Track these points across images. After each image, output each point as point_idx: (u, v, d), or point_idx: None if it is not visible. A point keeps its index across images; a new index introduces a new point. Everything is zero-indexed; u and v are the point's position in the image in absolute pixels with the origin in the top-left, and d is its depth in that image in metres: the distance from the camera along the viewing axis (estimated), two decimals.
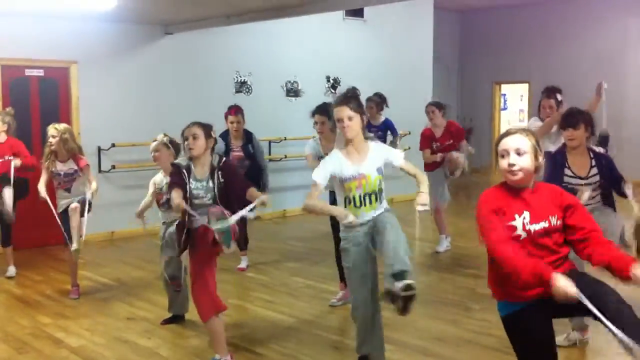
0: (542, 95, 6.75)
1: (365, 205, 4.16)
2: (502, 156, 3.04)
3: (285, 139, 10.37)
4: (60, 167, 6.24)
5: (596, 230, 3.04)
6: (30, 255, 7.82)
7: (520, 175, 3.00)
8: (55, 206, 6.29)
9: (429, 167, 7.72)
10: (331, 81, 11.22)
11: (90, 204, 6.28)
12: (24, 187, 7.05)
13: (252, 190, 4.44)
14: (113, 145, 8.91)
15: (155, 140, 5.47)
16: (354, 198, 4.14)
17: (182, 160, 4.54)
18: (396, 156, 4.28)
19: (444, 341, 5.09)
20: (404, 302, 3.79)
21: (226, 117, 7.15)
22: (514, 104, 17.88)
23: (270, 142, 10.14)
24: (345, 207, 4.18)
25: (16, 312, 6.00)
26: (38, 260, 7.68)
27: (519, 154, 3.00)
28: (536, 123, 6.60)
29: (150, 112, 9.25)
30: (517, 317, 3.06)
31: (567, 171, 4.72)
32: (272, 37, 10.29)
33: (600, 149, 4.92)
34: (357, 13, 11.27)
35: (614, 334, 2.71)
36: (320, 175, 4.15)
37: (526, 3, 14.42)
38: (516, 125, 17.31)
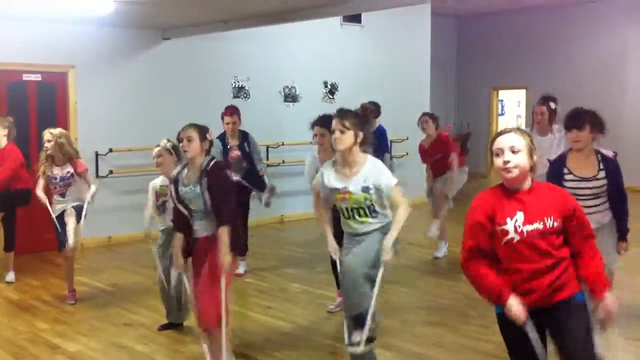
0: (537, 102, 6.76)
1: (353, 217, 4.23)
2: (497, 155, 3.02)
3: (282, 144, 10.37)
4: (57, 172, 6.22)
5: (591, 237, 3.06)
6: (28, 260, 7.80)
7: (515, 172, 2.97)
8: (52, 208, 6.29)
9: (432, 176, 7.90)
10: (329, 87, 11.23)
11: (86, 212, 6.27)
12: (26, 196, 7.01)
13: (224, 235, 4.27)
14: (111, 150, 8.90)
15: (158, 146, 5.44)
16: (342, 209, 4.26)
17: (176, 170, 4.55)
18: (387, 184, 4.14)
19: (442, 347, 5.08)
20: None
21: (222, 118, 7.17)
22: (512, 109, 17.91)
23: (267, 147, 10.13)
24: (341, 217, 4.32)
25: (13, 318, 5.98)
26: (35, 266, 7.66)
27: (513, 151, 2.98)
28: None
29: (148, 117, 9.25)
30: (505, 318, 3.10)
31: (567, 176, 4.58)
32: (270, 42, 10.29)
33: (609, 152, 4.70)
34: (355, 19, 11.28)
35: None
36: (315, 181, 4.36)
37: (524, 9, 14.44)
38: None
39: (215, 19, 8.30)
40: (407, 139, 11.47)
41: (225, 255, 4.25)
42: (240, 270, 7.28)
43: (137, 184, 8.83)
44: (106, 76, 8.99)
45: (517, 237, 2.98)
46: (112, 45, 9.02)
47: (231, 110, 7.19)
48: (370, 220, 4.19)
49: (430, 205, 7.97)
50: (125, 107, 9.14)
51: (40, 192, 6.24)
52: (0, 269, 7.43)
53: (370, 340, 4.14)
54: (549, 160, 4.87)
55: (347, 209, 4.21)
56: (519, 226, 2.97)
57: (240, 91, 10.22)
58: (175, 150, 5.31)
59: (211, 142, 4.52)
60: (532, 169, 3.04)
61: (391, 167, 7.87)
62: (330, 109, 11.68)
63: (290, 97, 10.80)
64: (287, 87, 10.75)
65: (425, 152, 7.82)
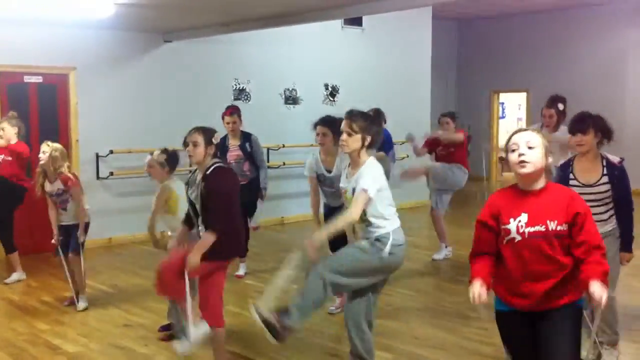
0: (545, 104, 6.71)
1: (361, 221, 4.17)
2: (512, 150, 3.01)
3: (283, 146, 10.37)
4: (50, 188, 6.17)
5: (599, 248, 2.96)
6: (28, 261, 7.78)
7: (529, 167, 2.96)
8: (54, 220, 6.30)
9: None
10: (329, 89, 11.23)
11: (86, 227, 6.25)
12: (20, 194, 7.05)
13: (204, 236, 4.29)
14: (111, 152, 8.90)
15: (150, 154, 5.41)
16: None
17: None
18: (360, 184, 4.01)
19: (443, 349, 5.07)
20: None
21: (223, 118, 7.15)
22: (512, 112, 17.89)
23: (268, 149, 10.13)
24: None
25: (13, 319, 5.98)
26: (35, 267, 7.65)
27: (529, 147, 2.97)
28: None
29: (148, 119, 9.26)
30: (503, 317, 3.16)
31: (571, 181, 4.45)
32: (271, 45, 10.30)
33: (615, 158, 4.52)
34: (356, 22, 11.30)
35: None
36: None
37: (525, 12, 14.45)
38: None
39: (217, 21, 8.31)
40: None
41: (194, 256, 4.22)
42: (241, 272, 7.28)
43: (138, 185, 8.85)
44: (107, 78, 8.99)
45: (518, 238, 2.98)
46: (113, 48, 9.04)
47: (231, 110, 7.17)
48: (363, 226, 4.12)
49: (435, 226, 7.99)
50: (126, 110, 9.15)
51: (50, 212, 6.22)
52: (2, 270, 7.45)
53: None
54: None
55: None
56: (522, 227, 2.97)
57: (241, 93, 10.23)
58: (169, 162, 5.28)
59: (217, 146, 4.50)
60: (547, 169, 3.02)
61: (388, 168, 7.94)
62: (331, 111, 11.70)
63: (291, 99, 10.81)
64: (288, 89, 10.76)
65: (436, 143, 7.80)
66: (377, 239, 4.08)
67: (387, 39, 11.86)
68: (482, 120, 15.72)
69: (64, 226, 6.23)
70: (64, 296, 6.49)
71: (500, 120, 16.50)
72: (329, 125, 5.46)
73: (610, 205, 4.49)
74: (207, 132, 4.41)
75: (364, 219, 4.08)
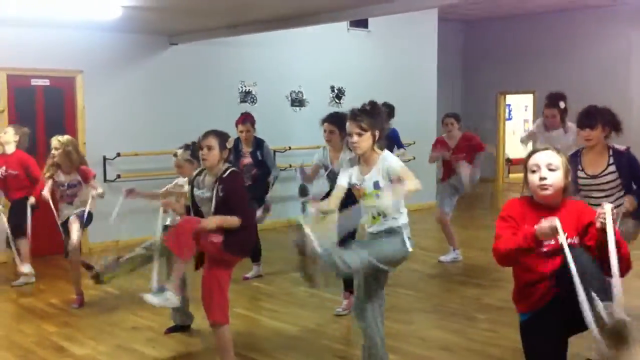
0: (545, 103, 6.68)
1: (370, 217, 4.19)
2: (533, 171, 2.98)
3: (289, 148, 10.38)
4: (65, 178, 6.23)
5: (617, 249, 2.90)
6: (35, 264, 7.80)
7: (550, 190, 2.95)
8: (57, 213, 6.33)
9: (441, 178, 7.84)
10: (336, 91, 11.24)
11: (90, 217, 6.29)
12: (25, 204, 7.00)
13: (226, 216, 4.36)
14: (118, 154, 8.93)
15: (175, 155, 5.43)
16: (362, 206, 4.20)
17: (196, 171, 4.62)
18: (393, 166, 4.08)
19: (450, 351, 5.06)
20: None
21: (236, 125, 7.11)
22: (519, 114, 17.89)
23: (275, 151, 10.12)
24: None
25: (21, 321, 6.01)
26: (43, 270, 7.66)
27: (550, 169, 2.95)
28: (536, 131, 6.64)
29: (155, 121, 9.28)
30: (530, 321, 3.06)
31: (579, 173, 4.49)
32: (277, 47, 10.32)
33: (621, 147, 4.59)
34: (362, 24, 11.31)
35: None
36: (341, 177, 4.27)
37: (530, 13, 14.43)
38: (521, 134, 17.30)
39: (223, 24, 8.33)
40: (414, 143, 11.47)
41: (213, 222, 4.26)
42: (250, 274, 7.27)
43: (145, 188, 8.83)
44: (114, 81, 9.02)
45: (532, 250, 2.94)
46: (120, 51, 9.06)
47: (244, 118, 7.12)
48: (382, 220, 4.14)
49: (443, 229, 7.97)
50: (132, 112, 9.17)
51: (46, 192, 6.24)
52: (8, 273, 7.47)
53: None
54: None
55: (370, 211, 4.17)
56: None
57: (247, 96, 10.25)
58: (195, 157, 5.28)
59: (230, 151, 4.51)
60: (566, 189, 3.00)
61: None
62: None
63: (297, 101, 10.82)
64: (294, 91, 10.77)
65: (446, 148, 7.70)
66: (391, 230, 4.13)
67: (393, 41, 11.85)
68: (488, 122, 15.69)
69: (62, 224, 6.25)
70: (71, 298, 6.51)
71: (507, 122, 16.48)
72: (336, 122, 5.49)
73: (618, 195, 4.52)
74: (222, 136, 4.41)
75: (381, 212, 4.11)
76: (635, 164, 4.57)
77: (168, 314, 5.69)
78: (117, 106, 9.05)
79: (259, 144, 7.18)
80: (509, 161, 16.02)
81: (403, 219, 4.18)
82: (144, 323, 5.87)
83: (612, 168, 4.49)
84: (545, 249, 2.97)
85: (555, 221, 2.77)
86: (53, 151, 6.18)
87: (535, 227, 2.81)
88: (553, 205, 3.00)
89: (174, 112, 9.41)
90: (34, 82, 8.50)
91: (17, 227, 6.91)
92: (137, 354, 5.15)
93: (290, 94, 10.73)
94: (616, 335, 2.60)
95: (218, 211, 4.33)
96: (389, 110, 8.10)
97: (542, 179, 2.94)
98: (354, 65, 11.37)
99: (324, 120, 5.65)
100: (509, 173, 16.25)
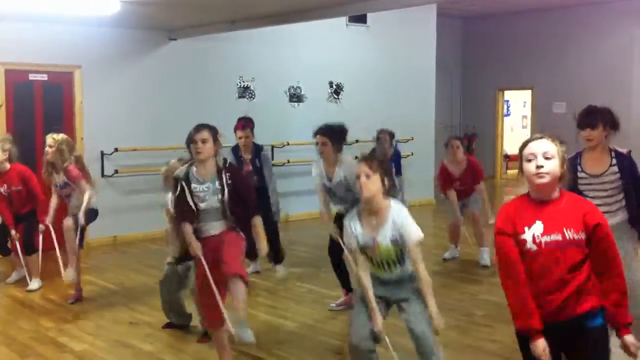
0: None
1: (383, 268, 3.96)
2: (529, 160, 2.93)
3: (288, 143, 10.38)
4: (57, 179, 6.21)
5: (615, 258, 2.92)
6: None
7: (547, 179, 2.89)
8: (59, 234, 6.38)
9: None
10: (334, 87, 11.23)
11: (93, 213, 6.29)
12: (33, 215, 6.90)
13: (258, 224, 4.41)
14: (116, 149, 8.92)
15: (167, 165, 5.26)
16: (372, 259, 3.96)
17: (180, 170, 4.45)
18: (410, 235, 3.80)
19: (447, 347, 5.05)
20: None
21: (235, 131, 6.91)
22: (517, 110, 17.89)
23: (273, 147, 10.14)
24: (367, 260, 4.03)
25: (19, 316, 6.01)
26: (41, 265, 7.67)
27: (546, 157, 2.90)
28: None
29: (153, 117, 9.28)
30: (526, 338, 2.97)
31: (580, 173, 4.47)
32: (276, 42, 10.30)
33: (623, 150, 4.54)
34: (360, 19, 11.29)
35: None
36: (348, 239, 3.96)
37: (530, 9, 14.42)
38: (519, 131, 17.32)
39: (222, 19, 8.32)
40: (412, 139, 11.49)
41: (263, 242, 4.41)
42: (247, 270, 7.25)
43: (143, 183, 8.87)
44: (112, 76, 9.01)
45: (534, 248, 2.88)
46: (118, 46, 9.05)
47: (243, 125, 6.89)
48: (399, 269, 3.95)
49: (452, 229, 7.86)
50: (131, 107, 9.17)
51: (51, 211, 6.33)
52: (6, 268, 7.47)
53: None
54: None
55: (377, 261, 3.92)
56: (538, 236, 2.88)
57: (245, 91, 10.24)
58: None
59: (221, 144, 4.48)
60: (562, 177, 2.95)
61: (402, 188, 7.88)
62: (336, 109, 11.77)
63: (296, 97, 10.82)
64: (293, 87, 10.76)
65: (452, 179, 7.44)
66: (410, 275, 3.98)
67: (391, 36, 11.85)
68: (486, 118, 15.70)
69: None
70: (69, 294, 6.51)
71: (505, 118, 16.49)
72: (328, 134, 5.40)
73: (619, 197, 4.50)
74: (214, 129, 4.40)
75: (402, 261, 3.93)
76: (635, 168, 4.54)
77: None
78: (116, 101, 9.04)
79: (257, 151, 7.00)
80: (507, 157, 16.04)
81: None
82: (142, 319, 5.87)
83: (615, 169, 4.46)
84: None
85: (543, 356, 2.83)
86: (47, 148, 6.16)
87: (531, 340, 2.85)
88: (551, 197, 2.95)
89: (172, 107, 9.41)
90: (32, 77, 8.48)
91: (27, 244, 6.85)
92: (135, 349, 5.15)
93: (289, 89, 10.73)
94: None
95: (233, 200, 4.30)
96: (390, 136, 8.25)
97: (538, 167, 2.90)
98: (353, 60, 11.36)
99: (316, 132, 5.52)
100: (507, 169, 16.27)
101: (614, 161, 4.47)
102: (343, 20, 11.05)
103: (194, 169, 4.38)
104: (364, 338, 3.94)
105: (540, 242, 2.88)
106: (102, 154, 8.87)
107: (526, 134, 16.13)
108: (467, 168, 7.44)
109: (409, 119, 11.34)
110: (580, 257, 2.88)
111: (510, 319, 2.99)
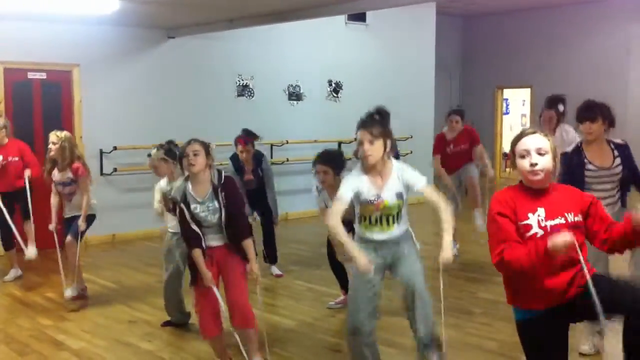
0: (544, 105, 6.63)
1: (380, 224, 4.05)
2: (523, 156, 2.96)
3: (287, 142, 10.38)
4: (60, 176, 6.20)
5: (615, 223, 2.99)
6: None
7: (541, 175, 2.93)
8: (60, 238, 6.38)
9: (447, 171, 7.55)
10: (333, 85, 11.23)
11: (92, 218, 6.29)
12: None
13: (249, 245, 4.38)
14: (115, 148, 8.92)
15: (149, 156, 5.39)
16: (369, 217, 4.05)
17: (176, 190, 4.39)
18: (417, 180, 4.02)
19: (446, 345, 5.06)
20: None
21: (236, 145, 6.87)
22: (516, 108, 17.88)
23: (272, 145, 10.14)
24: (360, 223, 4.11)
25: (17, 314, 6.00)
26: (39, 263, 7.67)
27: (540, 153, 2.93)
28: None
29: (152, 115, 9.27)
30: (531, 324, 3.00)
31: (589, 166, 4.51)
32: (275, 41, 10.30)
33: (619, 141, 4.63)
34: (359, 17, 11.29)
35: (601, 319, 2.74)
36: (345, 189, 3.95)
37: (528, 8, 14.42)
38: (518, 129, 17.32)
39: (221, 17, 8.31)
40: (412, 137, 11.49)
41: (255, 264, 4.38)
42: (278, 271, 7.27)
43: (142, 181, 8.86)
44: (111, 75, 9.01)
45: (540, 232, 2.90)
46: (117, 44, 9.05)
47: (244, 141, 6.80)
48: (395, 227, 4.07)
49: (452, 198, 7.80)
50: (129, 106, 9.16)
51: (53, 199, 6.30)
52: (4, 266, 7.47)
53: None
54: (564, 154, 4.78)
55: (376, 217, 4.03)
56: (542, 221, 2.91)
57: (244, 89, 10.24)
58: (170, 154, 5.27)
59: (213, 158, 4.44)
60: (554, 170, 3.00)
61: None
62: (335, 107, 11.76)
63: (295, 95, 10.81)
64: (291, 85, 10.76)
65: (444, 143, 7.56)
66: (407, 234, 4.15)
67: (391, 34, 11.85)
68: (486, 117, 15.69)
69: (66, 219, 6.27)
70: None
71: (504, 116, 16.49)
72: (329, 162, 5.29)
73: (618, 187, 4.59)
74: (205, 144, 4.37)
75: (399, 219, 4.06)
76: (632, 157, 4.62)
77: (164, 308, 5.70)
78: (114, 100, 9.04)
79: (258, 161, 6.93)
80: (506, 156, 16.03)
81: (407, 219, 4.18)
82: (140, 317, 5.87)
83: (619, 160, 4.54)
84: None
85: (569, 237, 2.74)
86: (50, 145, 6.17)
87: (548, 242, 2.75)
88: (544, 188, 3.00)
89: (171, 105, 9.40)
90: (31, 75, 8.48)
91: (24, 211, 6.98)
92: (134, 347, 5.15)
93: (288, 87, 10.72)
94: None
95: (229, 218, 4.31)
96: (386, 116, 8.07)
97: (532, 164, 2.92)
98: (352, 59, 11.36)
99: (316, 162, 5.35)
100: (506, 167, 16.26)
101: (616, 152, 4.55)
102: (342, 18, 11.05)
103: (189, 186, 4.32)
104: (363, 322, 4.05)
105: (546, 226, 2.92)
106: (101, 152, 8.87)
107: None
108: (463, 132, 7.60)
109: (408, 118, 11.33)
110: (582, 239, 2.95)
111: (510, 317, 2.99)
